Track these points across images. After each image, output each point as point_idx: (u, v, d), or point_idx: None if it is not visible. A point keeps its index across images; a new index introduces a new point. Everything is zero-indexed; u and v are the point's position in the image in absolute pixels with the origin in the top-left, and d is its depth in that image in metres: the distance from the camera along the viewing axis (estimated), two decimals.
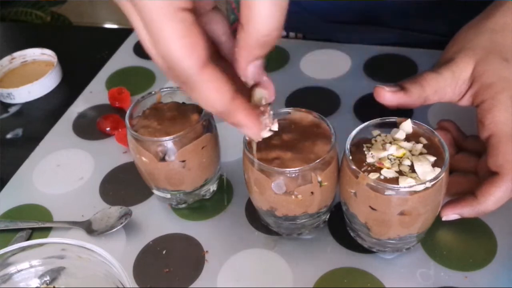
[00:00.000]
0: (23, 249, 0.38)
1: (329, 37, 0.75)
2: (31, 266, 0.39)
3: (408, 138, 0.44)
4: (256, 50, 0.32)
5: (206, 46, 0.31)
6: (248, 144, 0.44)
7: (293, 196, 0.43)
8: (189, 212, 0.53)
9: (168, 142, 0.47)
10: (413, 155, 0.42)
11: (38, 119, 0.70)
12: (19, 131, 0.68)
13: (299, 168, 0.42)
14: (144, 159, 0.48)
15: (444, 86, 0.46)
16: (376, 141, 0.44)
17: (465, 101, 0.47)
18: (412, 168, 0.41)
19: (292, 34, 0.79)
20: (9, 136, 0.67)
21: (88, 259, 0.37)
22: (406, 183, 0.40)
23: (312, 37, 0.77)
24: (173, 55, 0.30)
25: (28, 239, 0.52)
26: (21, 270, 0.39)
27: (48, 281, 0.40)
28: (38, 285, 0.40)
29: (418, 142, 0.43)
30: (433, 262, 0.46)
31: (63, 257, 0.39)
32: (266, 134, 0.37)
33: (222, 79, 0.32)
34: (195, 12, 0.31)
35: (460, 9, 0.67)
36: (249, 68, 0.33)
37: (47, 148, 0.63)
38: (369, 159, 0.42)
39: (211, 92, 0.32)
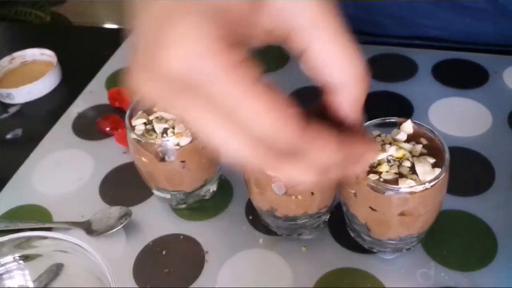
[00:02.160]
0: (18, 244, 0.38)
1: None
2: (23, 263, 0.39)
3: (408, 138, 0.43)
4: (361, 93, 0.31)
5: (294, 105, 0.27)
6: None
7: (293, 197, 0.43)
8: (189, 213, 0.53)
9: (168, 143, 0.47)
10: (413, 156, 0.42)
11: (38, 119, 0.70)
12: (18, 131, 0.68)
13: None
14: (144, 159, 0.48)
15: None
16: (375, 141, 0.44)
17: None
18: (411, 169, 0.41)
19: None
20: (8, 136, 0.67)
21: (85, 257, 0.37)
22: (406, 184, 0.39)
23: None
24: (270, 131, 0.25)
25: None
26: (11, 270, 0.39)
27: (45, 281, 0.40)
28: (37, 285, 0.40)
29: (418, 142, 0.43)
30: (433, 262, 0.46)
31: (59, 254, 0.39)
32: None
33: (324, 130, 0.28)
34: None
35: (454, 14, 0.67)
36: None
37: (47, 148, 0.63)
38: None
39: (323, 149, 0.28)
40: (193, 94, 0.25)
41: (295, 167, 0.28)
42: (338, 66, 0.29)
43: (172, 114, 0.30)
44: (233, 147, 0.27)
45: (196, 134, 0.29)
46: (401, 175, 0.40)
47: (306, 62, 0.29)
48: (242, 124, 0.26)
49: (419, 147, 0.42)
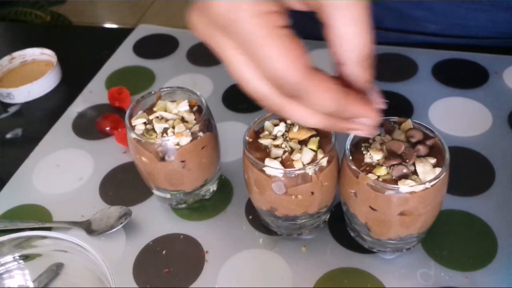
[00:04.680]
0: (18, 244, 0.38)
1: (319, 37, 0.74)
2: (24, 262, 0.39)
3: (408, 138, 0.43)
4: (361, 72, 0.34)
5: (306, 54, 0.32)
6: None
7: (293, 196, 0.43)
8: (189, 212, 0.53)
9: (168, 142, 0.47)
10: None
11: (38, 119, 0.70)
12: (18, 131, 0.68)
13: (299, 168, 0.42)
14: (144, 159, 0.48)
15: None
16: (374, 141, 0.44)
17: None
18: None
19: None
20: (8, 136, 0.67)
21: (85, 257, 0.37)
22: (406, 184, 0.39)
23: (303, 37, 0.77)
24: (279, 71, 0.31)
25: None
26: (11, 270, 0.39)
27: (45, 281, 0.40)
28: (37, 285, 0.40)
29: (418, 142, 0.43)
30: (433, 262, 0.46)
31: (59, 254, 0.39)
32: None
33: (329, 80, 0.33)
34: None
35: (450, 6, 0.67)
36: (374, 98, 0.36)
37: (47, 148, 0.63)
38: (367, 160, 0.42)
39: (323, 94, 0.33)
40: (227, 33, 0.32)
41: (301, 108, 0.34)
42: (346, 46, 0.33)
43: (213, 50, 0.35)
44: (253, 83, 0.33)
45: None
46: None
47: (325, 33, 0.33)
48: (260, 63, 0.31)
49: (419, 146, 0.42)
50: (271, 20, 0.31)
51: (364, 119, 0.36)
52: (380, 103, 0.37)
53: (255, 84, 0.33)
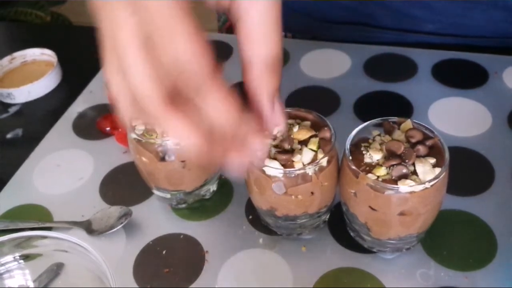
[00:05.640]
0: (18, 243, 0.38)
1: (319, 36, 0.74)
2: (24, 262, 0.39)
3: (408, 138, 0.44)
4: (267, 75, 0.33)
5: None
6: None
7: (293, 196, 0.43)
8: (189, 212, 0.53)
9: (168, 142, 0.47)
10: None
11: (38, 119, 0.70)
12: (19, 131, 0.68)
13: (299, 168, 0.42)
14: (144, 159, 0.48)
15: None
16: (374, 141, 0.44)
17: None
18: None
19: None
20: (9, 136, 0.67)
21: (85, 257, 0.37)
22: (406, 184, 0.39)
23: (301, 36, 0.77)
24: (185, 55, 0.29)
25: None
26: (11, 270, 0.39)
27: (45, 281, 0.40)
28: (37, 285, 0.40)
29: (418, 142, 0.43)
30: (433, 262, 0.46)
31: (59, 254, 0.39)
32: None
33: (231, 95, 0.31)
34: None
35: (447, 4, 0.67)
36: (276, 114, 0.35)
37: (47, 148, 0.63)
38: (367, 160, 0.42)
39: (221, 99, 0.30)
40: (135, 7, 0.29)
41: (182, 122, 0.30)
42: (255, 45, 0.32)
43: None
44: (135, 72, 0.30)
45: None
46: None
47: (237, 31, 0.32)
48: (164, 45, 0.29)
49: (419, 147, 0.42)
50: (186, 8, 0.29)
51: (254, 144, 0.33)
52: (281, 121, 0.35)
53: (137, 75, 0.30)
